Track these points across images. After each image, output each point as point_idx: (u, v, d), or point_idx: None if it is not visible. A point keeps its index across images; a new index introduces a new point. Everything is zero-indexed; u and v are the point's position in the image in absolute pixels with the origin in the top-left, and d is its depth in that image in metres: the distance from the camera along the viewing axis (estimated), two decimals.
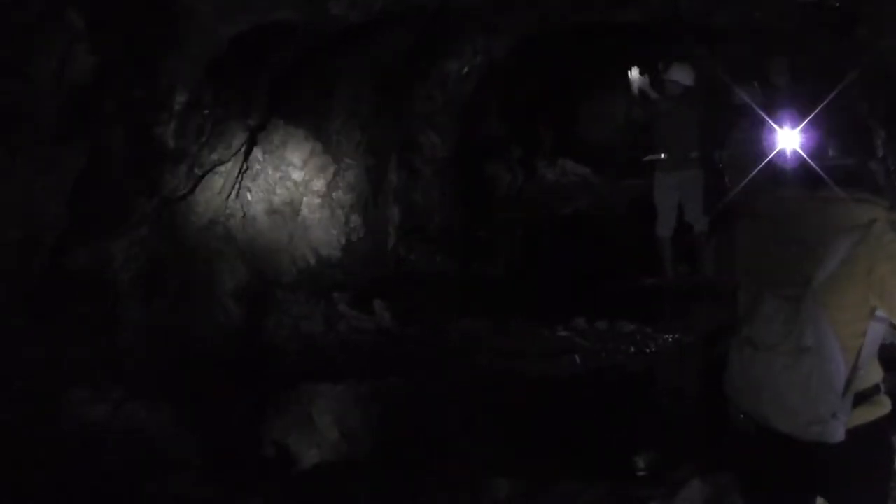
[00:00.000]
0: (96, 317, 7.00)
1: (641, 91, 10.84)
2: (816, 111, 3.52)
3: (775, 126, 3.49)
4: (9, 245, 6.10)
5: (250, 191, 9.23)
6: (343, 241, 10.35)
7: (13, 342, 6.12)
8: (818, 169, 3.36)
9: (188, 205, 8.18)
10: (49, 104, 6.21)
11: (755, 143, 8.83)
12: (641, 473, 6.27)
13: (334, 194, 10.25)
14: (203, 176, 8.13)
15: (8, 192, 6.04)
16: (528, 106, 16.95)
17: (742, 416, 3.37)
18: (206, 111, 7.76)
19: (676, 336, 8.86)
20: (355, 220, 10.55)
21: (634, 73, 10.85)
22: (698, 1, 9.52)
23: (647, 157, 10.80)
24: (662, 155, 10.58)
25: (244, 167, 8.90)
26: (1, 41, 5.76)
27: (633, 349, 8.61)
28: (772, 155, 3.66)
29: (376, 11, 8.08)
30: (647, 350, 8.62)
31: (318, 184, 9.95)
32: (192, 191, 8.10)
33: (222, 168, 8.37)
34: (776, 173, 3.63)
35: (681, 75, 10.47)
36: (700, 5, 10.00)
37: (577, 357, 8.35)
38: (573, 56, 16.33)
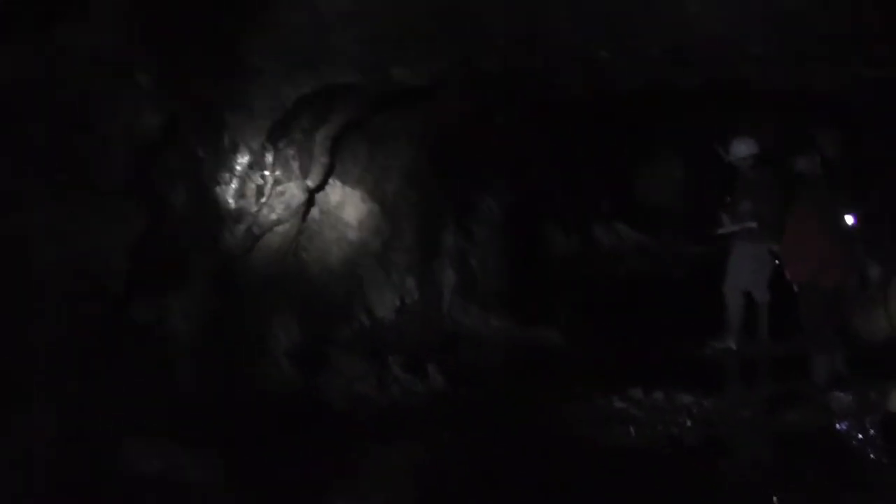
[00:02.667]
0: (153, 369, 7.07)
1: (706, 158, 10.79)
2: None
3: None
4: (73, 296, 6.19)
5: (307, 250, 9.31)
6: (398, 302, 10.38)
7: (72, 390, 6.19)
8: None
9: (246, 262, 8.26)
10: (116, 160, 6.34)
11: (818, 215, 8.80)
12: None
13: (390, 255, 10.30)
14: (262, 235, 8.21)
15: (74, 243, 6.15)
16: (585, 169, 16.96)
17: None
18: (267, 172, 7.87)
19: (737, 408, 8.72)
20: (410, 282, 10.59)
21: (699, 140, 10.81)
22: (761, 67, 9.45)
23: (723, 230, 10.63)
24: (731, 225, 10.47)
25: (302, 227, 8.98)
26: (73, 98, 5.90)
27: (689, 422, 8.40)
28: None
29: (437, 75, 8.15)
30: (706, 423, 8.38)
31: (375, 245, 10.01)
32: (250, 249, 8.18)
33: (281, 228, 8.45)
34: None
35: (747, 145, 10.43)
36: (763, 72, 9.95)
37: (631, 428, 8.21)
38: (632, 119, 16.32)
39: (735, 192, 10.58)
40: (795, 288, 9.13)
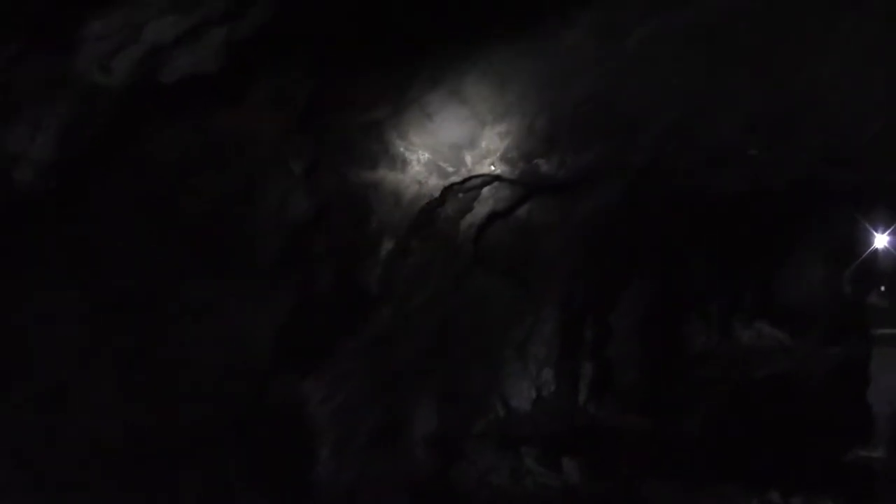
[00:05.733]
0: (290, 451, 7.14)
1: (852, 259, 10.54)
2: None
3: None
4: (219, 372, 6.33)
5: (448, 338, 9.33)
6: (534, 393, 10.32)
7: (216, 464, 6.30)
8: None
9: (387, 347, 8.32)
10: (267, 242, 6.51)
11: None
12: None
13: (529, 346, 10.27)
14: (405, 321, 8.27)
15: (224, 321, 6.30)
16: (728, 264, 16.68)
17: None
18: (412, 258, 7.95)
19: None
20: (547, 373, 10.52)
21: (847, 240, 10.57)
22: None
23: (870, 330, 10.31)
24: (882, 329, 10.14)
25: (445, 314, 9.02)
26: (229, 181, 6.09)
27: None
28: None
29: (584, 170, 8.18)
30: None
31: (515, 335, 9.99)
32: (391, 335, 8.25)
33: (424, 314, 8.51)
34: None
35: None
36: None
37: None
38: (778, 215, 16.06)
39: (880, 293, 10.27)
40: None
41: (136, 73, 4.28)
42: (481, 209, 8.66)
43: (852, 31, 6.70)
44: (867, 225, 10.82)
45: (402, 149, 7.24)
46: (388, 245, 7.73)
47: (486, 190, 8.44)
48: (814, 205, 14.61)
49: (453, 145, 7.42)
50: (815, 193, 13.12)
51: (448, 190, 7.83)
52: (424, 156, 7.41)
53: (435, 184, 7.73)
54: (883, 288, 10.18)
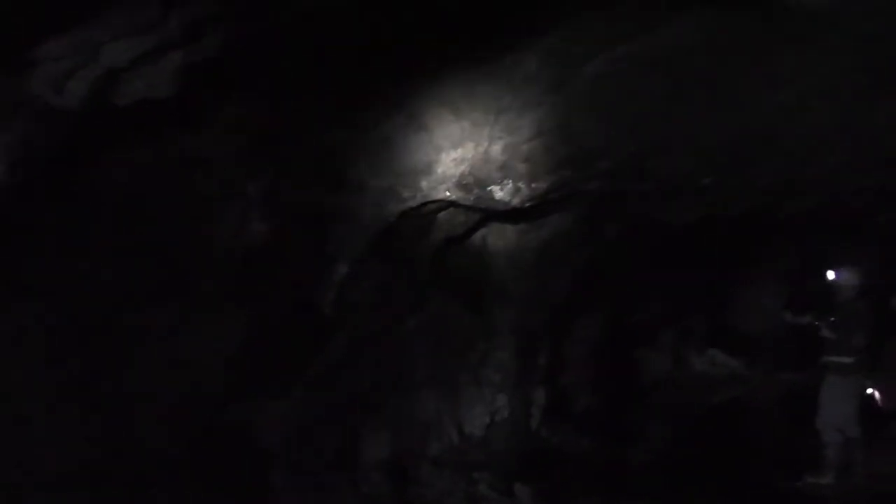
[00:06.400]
0: (245, 477, 7.10)
1: (805, 288, 10.67)
2: None
3: None
4: (172, 398, 6.29)
5: (402, 363, 9.33)
6: (488, 419, 10.32)
7: (171, 490, 6.24)
8: None
9: (342, 371, 8.30)
10: (223, 266, 6.48)
11: None
12: None
13: (483, 371, 10.28)
14: (361, 344, 8.27)
15: (177, 347, 6.27)
16: (682, 292, 16.81)
17: None
18: (368, 283, 7.95)
19: None
20: (501, 398, 10.52)
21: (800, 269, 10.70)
22: (866, 202, 9.41)
23: (818, 358, 10.42)
24: (830, 357, 10.24)
25: (399, 339, 9.02)
26: (184, 206, 6.06)
27: None
28: None
29: (538, 197, 8.23)
30: None
31: (470, 360, 10.00)
32: (347, 360, 8.24)
33: (379, 339, 8.50)
34: None
35: (849, 276, 10.27)
36: (867, 206, 9.89)
37: None
38: (731, 245, 16.21)
39: (831, 323, 10.37)
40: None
41: (92, 96, 4.26)
42: (437, 234, 8.69)
43: (805, 66, 6.81)
44: (819, 255, 10.97)
45: (358, 173, 7.25)
46: (343, 269, 7.72)
47: (441, 215, 8.47)
48: (767, 235, 14.78)
49: (409, 171, 7.44)
50: (768, 224, 13.28)
51: (404, 215, 7.85)
52: (381, 181, 7.42)
53: (391, 209, 7.74)
54: (833, 319, 10.29)
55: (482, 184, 7.82)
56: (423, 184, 7.63)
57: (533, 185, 7.93)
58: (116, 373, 5.91)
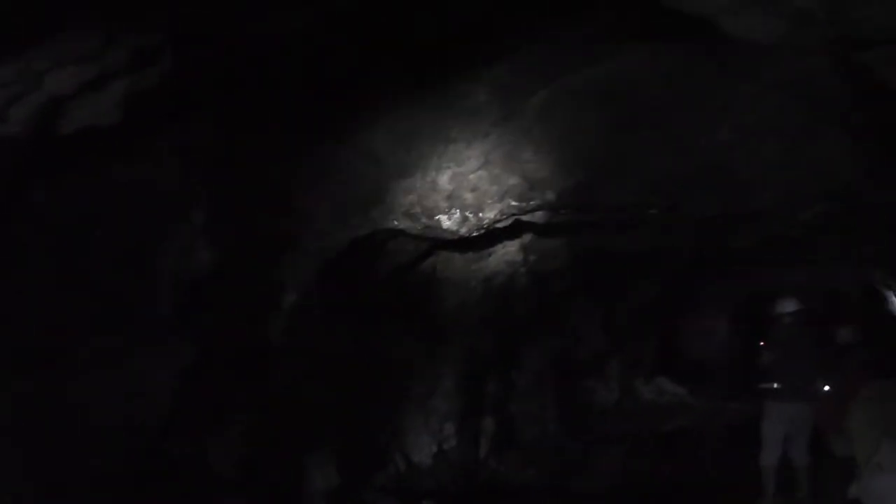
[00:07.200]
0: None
1: (750, 318, 10.75)
2: None
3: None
4: (116, 427, 6.21)
5: (348, 391, 9.30)
6: (435, 448, 10.30)
7: None
8: None
9: (290, 399, 8.25)
10: (165, 296, 6.42)
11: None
12: None
13: (431, 401, 10.27)
14: (308, 372, 8.23)
15: (120, 377, 6.20)
16: (629, 321, 16.92)
17: None
18: (316, 311, 7.93)
19: None
20: (449, 427, 10.51)
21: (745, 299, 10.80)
22: (808, 234, 9.55)
23: (762, 386, 10.49)
24: (774, 385, 10.31)
25: (345, 368, 8.99)
26: (128, 232, 6.01)
27: None
28: None
29: (485, 227, 8.28)
30: None
31: (417, 389, 9.99)
32: (295, 386, 8.19)
33: (326, 367, 8.47)
34: None
35: (792, 305, 10.38)
36: (809, 238, 10.03)
37: None
38: (677, 275, 16.35)
39: (770, 350, 10.48)
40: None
41: (35, 123, 4.22)
42: (385, 263, 8.69)
43: (749, 99, 6.91)
44: (763, 284, 11.08)
45: (306, 202, 7.24)
46: (291, 298, 7.70)
47: (390, 244, 8.48)
48: (713, 265, 14.93)
49: (358, 200, 7.45)
50: (713, 254, 13.43)
51: (353, 244, 7.84)
52: (329, 209, 7.42)
53: (340, 237, 7.74)
54: (776, 347, 10.37)
55: (430, 213, 7.85)
56: (372, 213, 7.65)
57: (480, 215, 7.98)
58: (60, 402, 5.83)
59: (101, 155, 5.16)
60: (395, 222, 7.84)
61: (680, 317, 19.06)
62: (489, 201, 7.84)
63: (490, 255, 9.95)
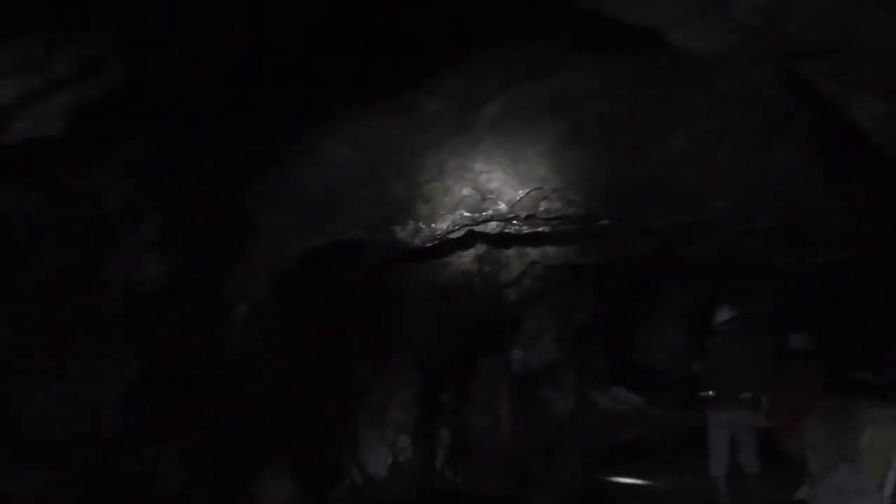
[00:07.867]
0: None
1: (698, 326, 10.78)
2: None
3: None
4: (63, 441, 6.13)
5: (302, 404, 9.25)
6: (391, 459, 10.27)
7: None
8: None
9: (243, 412, 8.19)
10: (115, 310, 6.36)
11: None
12: None
13: (386, 412, 10.24)
14: (261, 385, 8.17)
15: (67, 391, 6.12)
16: (583, 332, 16.98)
17: None
18: (269, 323, 7.88)
19: None
20: (404, 439, 10.49)
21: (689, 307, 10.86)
22: (761, 243, 9.62)
23: (702, 394, 10.56)
24: (711, 392, 10.36)
25: (299, 380, 8.95)
26: (77, 244, 5.95)
27: None
28: None
29: (438, 238, 8.28)
30: None
31: (372, 400, 9.96)
32: (247, 399, 8.13)
33: (279, 380, 8.42)
34: None
35: (744, 315, 10.44)
36: (763, 247, 10.10)
37: None
38: (631, 285, 16.45)
39: (707, 358, 10.53)
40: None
41: None
42: (340, 274, 8.66)
43: (699, 111, 6.96)
44: (715, 294, 11.13)
45: (259, 213, 7.20)
46: (243, 311, 7.65)
47: (344, 255, 8.45)
48: (666, 275, 15.02)
49: (312, 210, 7.42)
50: (666, 264, 13.50)
51: (307, 255, 7.81)
52: (282, 220, 7.38)
53: (293, 249, 7.70)
54: (727, 356, 10.40)
55: (384, 224, 7.84)
56: (326, 224, 7.62)
57: (433, 226, 7.98)
58: (4, 414, 5.75)
59: (48, 166, 5.10)
60: (350, 233, 7.82)
61: (635, 325, 19.18)
62: (442, 212, 7.85)
63: (445, 265, 9.95)
